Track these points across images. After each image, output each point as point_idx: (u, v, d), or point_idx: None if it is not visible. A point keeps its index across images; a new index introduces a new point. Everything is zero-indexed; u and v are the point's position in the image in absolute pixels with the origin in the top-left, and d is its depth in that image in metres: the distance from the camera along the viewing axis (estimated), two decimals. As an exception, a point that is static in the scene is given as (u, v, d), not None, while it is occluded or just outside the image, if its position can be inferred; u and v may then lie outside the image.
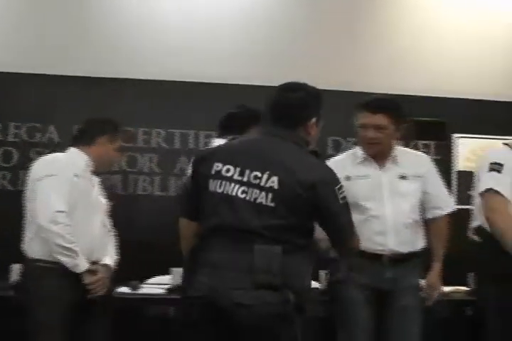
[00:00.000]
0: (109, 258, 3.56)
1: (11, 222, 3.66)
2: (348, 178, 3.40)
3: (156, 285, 4.20)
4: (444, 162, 5.02)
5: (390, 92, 4.45)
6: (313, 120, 2.74)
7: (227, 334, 2.57)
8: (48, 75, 4.76)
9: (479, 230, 3.49)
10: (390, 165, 3.52)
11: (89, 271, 3.37)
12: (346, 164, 3.50)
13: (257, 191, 2.58)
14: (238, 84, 4.87)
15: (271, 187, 2.57)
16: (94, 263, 3.43)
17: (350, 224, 2.72)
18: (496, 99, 5.14)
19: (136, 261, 4.14)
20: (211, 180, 2.65)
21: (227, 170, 2.64)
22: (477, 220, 3.55)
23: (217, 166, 2.65)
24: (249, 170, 2.61)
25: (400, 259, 3.43)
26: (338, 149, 4.74)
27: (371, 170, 3.50)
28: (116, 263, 3.60)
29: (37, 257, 3.36)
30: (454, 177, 5.10)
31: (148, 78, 4.84)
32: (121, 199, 4.64)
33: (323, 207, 2.62)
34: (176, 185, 4.79)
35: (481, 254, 3.48)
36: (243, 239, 2.55)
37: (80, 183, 3.43)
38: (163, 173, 4.85)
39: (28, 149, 4.72)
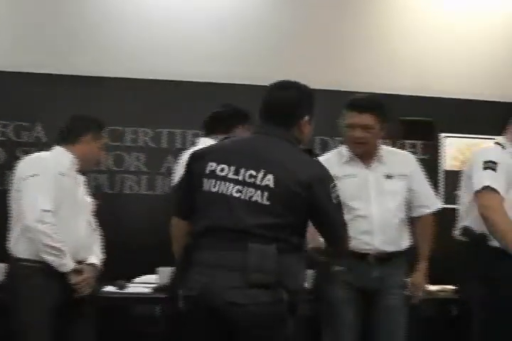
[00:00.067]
0: (95, 257, 3.55)
1: (-4, 222, 3.65)
2: (335, 178, 3.39)
3: (143, 285, 4.19)
4: (431, 161, 5.04)
5: (377, 92, 4.49)
6: (306, 118, 2.74)
7: (220, 333, 2.58)
8: (35, 74, 4.73)
9: (466, 230, 3.51)
10: (376, 164, 3.52)
11: (75, 271, 3.36)
12: (333, 163, 3.49)
13: (253, 190, 2.58)
14: (226, 83, 4.86)
15: (266, 185, 2.57)
16: (79, 262, 3.42)
17: (343, 223, 2.73)
18: (483, 99, 5.16)
19: (122, 260, 4.14)
20: (205, 180, 2.65)
21: (222, 170, 2.63)
22: (464, 220, 3.56)
23: (211, 166, 2.65)
24: (244, 169, 2.61)
25: (385, 258, 3.44)
26: (325, 148, 4.73)
27: (357, 169, 3.51)
28: (102, 263, 3.59)
29: (23, 257, 3.36)
30: (441, 176, 5.11)
31: (136, 77, 4.82)
32: (108, 198, 4.65)
33: (319, 205, 2.63)
34: (162, 184, 4.78)
35: (467, 254, 3.50)
36: (237, 237, 2.55)
37: (65, 182, 3.42)
38: (150, 172, 4.84)
39: (14, 148, 4.70)
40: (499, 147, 3.54)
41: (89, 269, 3.46)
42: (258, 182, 2.58)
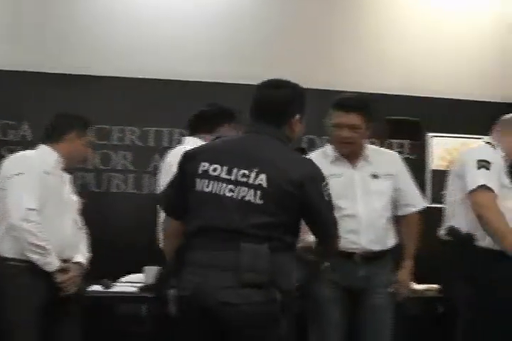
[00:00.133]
0: (81, 256, 3.54)
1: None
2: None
3: (129, 284, 4.18)
4: (418, 161, 5.06)
5: (365, 91, 4.48)
6: (297, 116, 2.74)
7: (213, 333, 2.57)
8: (22, 72, 4.71)
9: (452, 230, 3.52)
10: (362, 163, 3.53)
11: (61, 270, 3.35)
12: (319, 163, 3.49)
13: (245, 189, 2.58)
14: (213, 82, 4.86)
15: (259, 184, 2.57)
16: (65, 261, 3.41)
17: (335, 221, 2.74)
18: (471, 99, 5.17)
19: (109, 259, 4.12)
20: (198, 180, 2.64)
21: (214, 170, 2.63)
22: (450, 220, 3.57)
23: (204, 166, 2.65)
24: (237, 169, 2.60)
25: (371, 257, 3.44)
26: (312, 147, 4.73)
27: (344, 169, 3.51)
28: (88, 261, 3.58)
29: (8, 256, 3.34)
30: (428, 176, 5.12)
31: (123, 76, 4.81)
32: (95, 196, 4.64)
33: (311, 203, 2.63)
34: (149, 182, 4.76)
35: (453, 254, 3.50)
36: (230, 237, 2.54)
37: (50, 181, 3.41)
38: (137, 171, 4.83)
39: (0, 147, 4.67)
40: (490, 147, 3.55)
41: (75, 268, 3.45)
42: (251, 182, 2.58)
